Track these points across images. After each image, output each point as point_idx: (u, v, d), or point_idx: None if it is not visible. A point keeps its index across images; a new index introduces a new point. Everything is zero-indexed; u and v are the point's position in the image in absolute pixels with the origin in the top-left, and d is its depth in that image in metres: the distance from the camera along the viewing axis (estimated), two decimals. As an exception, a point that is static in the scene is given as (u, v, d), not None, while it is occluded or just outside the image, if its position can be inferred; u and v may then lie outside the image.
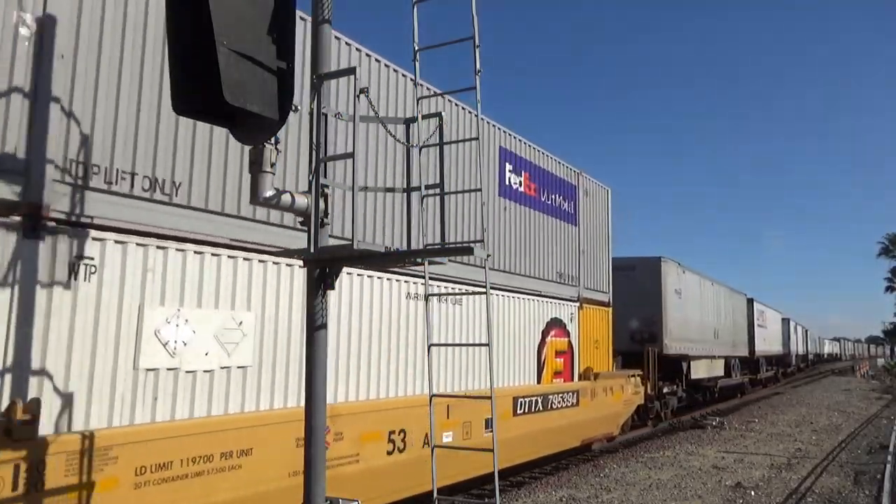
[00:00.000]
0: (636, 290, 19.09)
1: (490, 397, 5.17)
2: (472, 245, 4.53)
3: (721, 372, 26.53)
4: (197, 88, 3.83)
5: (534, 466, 12.08)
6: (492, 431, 5.33)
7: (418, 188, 5.22)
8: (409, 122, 5.18)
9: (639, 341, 18.96)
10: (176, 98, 3.97)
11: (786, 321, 47.15)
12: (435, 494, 5.64)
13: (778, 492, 10.64)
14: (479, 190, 5.79)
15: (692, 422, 20.31)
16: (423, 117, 5.21)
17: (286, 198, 4.29)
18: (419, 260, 5.06)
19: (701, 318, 23.66)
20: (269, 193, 4.23)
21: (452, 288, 9.20)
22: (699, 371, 23.15)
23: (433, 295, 5.66)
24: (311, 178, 4.34)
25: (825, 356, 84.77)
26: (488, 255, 4.81)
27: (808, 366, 68.48)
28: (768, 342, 37.92)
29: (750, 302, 34.23)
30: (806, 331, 64.54)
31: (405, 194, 5.14)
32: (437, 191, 5.18)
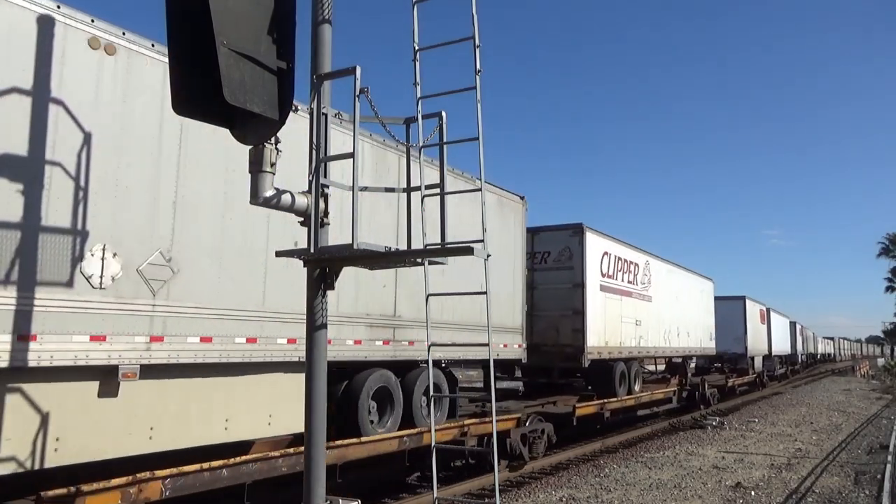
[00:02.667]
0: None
1: (491, 401, 5.17)
2: (472, 245, 4.53)
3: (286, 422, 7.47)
4: (197, 88, 3.84)
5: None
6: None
7: (418, 188, 5.23)
8: (408, 122, 5.18)
9: None
10: (176, 98, 3.98)
11: (736, 301, 30.25)
12: (435, 494, 5.65)
13: (778, 492, 10.63)
14: (480, 190, 5.78)
15: (692, 422, 20.30)
16: (424, 117, 5.21)
17: (286, 198, 4.29)
18: (419, 260, 5.07)
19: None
20: (269, 193, 4.24)
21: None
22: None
23: (433, 295, 5.66)
24: (310, 178, 4.35)
25: (818, 356, 69.48)
26: (489, 256, 4.80)
27: (800, 370, 50.40)
28: (660, 333, 19.26)
29: (575, 233, 14.44)
30: (795, 324, 47.15)
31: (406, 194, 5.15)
32: (437, 191, 5.18)
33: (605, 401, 15.43)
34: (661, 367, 23.15)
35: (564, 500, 9.97)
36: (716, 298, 27.29)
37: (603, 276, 15.49)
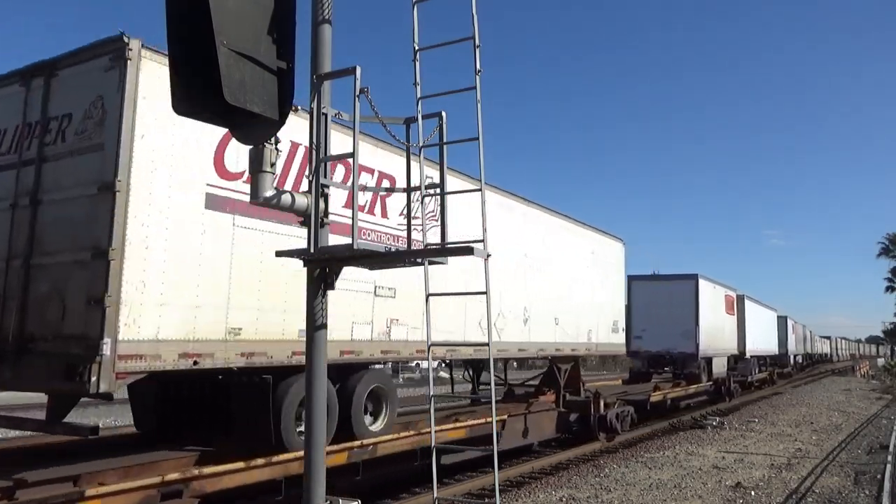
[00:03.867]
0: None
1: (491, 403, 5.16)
2: (472, 245, 4.53)
3: None
4: (197, 88, 3.83)
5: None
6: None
7: (418, 188, 5.22)
8: (408, 121, 5.17)
9: None
10: (176, 98, 3.97)
11: (685, 281, 21.80)
12: (435, 494, 5.64)
13: (778, 492, 10.64)
14: (480, 190, 5.76)
15: (692, 422, 20.30)
16: (424, 117, 5.21)
17: (286, 197, 4.29)
18: (419, 260, 5.06)
19: None
20: (269, 193, 4.24)
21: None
22: None
23: (433, 295, 5.65)
24: (310, 178, 4.34)
25: (814, 357, 65.70)
26: (489, 255, 4.80)
27: (792, 374, 43.61)
28: (470, 316, 9.96)
29: (114, 61, 5.43)
30: (786, 320, 40.75)
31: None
32: (437, 191, 5.18)
33: (202, 471, 6.51)
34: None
35: (564, 500, 9.97)
36: (658, 277, 21.65)
37: (228, 176, 6.59)
